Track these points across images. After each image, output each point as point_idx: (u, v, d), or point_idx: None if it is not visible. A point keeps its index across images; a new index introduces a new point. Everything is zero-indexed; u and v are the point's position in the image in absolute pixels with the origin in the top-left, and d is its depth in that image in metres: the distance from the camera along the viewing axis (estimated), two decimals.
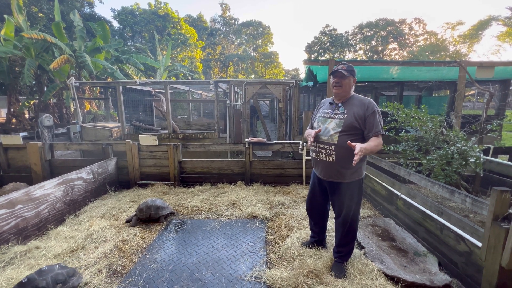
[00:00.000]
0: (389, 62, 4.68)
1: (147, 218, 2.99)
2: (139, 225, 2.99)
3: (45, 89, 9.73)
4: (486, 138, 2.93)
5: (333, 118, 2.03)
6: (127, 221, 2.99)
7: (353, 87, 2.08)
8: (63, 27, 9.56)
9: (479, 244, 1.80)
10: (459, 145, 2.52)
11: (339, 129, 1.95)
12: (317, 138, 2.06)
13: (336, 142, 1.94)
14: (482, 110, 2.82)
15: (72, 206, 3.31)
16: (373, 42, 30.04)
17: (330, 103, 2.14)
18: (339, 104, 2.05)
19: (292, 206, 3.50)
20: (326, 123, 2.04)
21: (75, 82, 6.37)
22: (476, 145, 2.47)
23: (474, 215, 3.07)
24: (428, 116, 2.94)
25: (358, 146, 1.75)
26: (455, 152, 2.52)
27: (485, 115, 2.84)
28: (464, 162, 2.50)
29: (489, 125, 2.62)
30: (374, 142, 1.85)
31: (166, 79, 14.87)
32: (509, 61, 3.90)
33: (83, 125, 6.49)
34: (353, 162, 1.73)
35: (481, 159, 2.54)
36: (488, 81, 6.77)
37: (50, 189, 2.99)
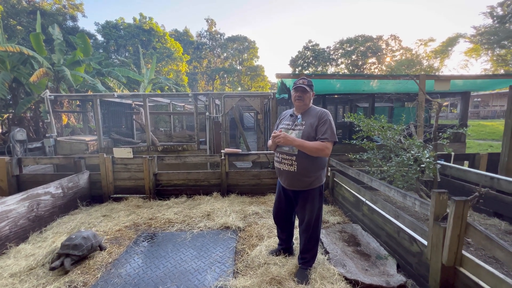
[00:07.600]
0: (356, 76, 4.98)
1: (89, 251, 2.49)
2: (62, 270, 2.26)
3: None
4: (439, 145, 3.16)
5: (293, 129, 2.15)
6: (52, 269, 2.23)
7: (312, 100, 2.23)
8: (42, 40, 9.44)
9: (426, 244, 1.92)
10: (413, 152, 2.71)
11: None
12: (279, 149, 2.17)
13: (296, 153, 2.05)
14: (434, 119, 3.08)
15: (37, 223, 3.18)
16: (354, 57, 31.52)
17: (291, 115, 2.26)
18: (298, 116, 2.18)
19: (265, 216, 3.53)
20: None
21: (50, 95, 6.25)
22: (426, 151, 2.67)
23: None
24: (387, 126, 3.16)
25: (283, 133, 2.04)
26: (410, 158, 2.70)
27: (436, 124, 3.10)
28: (418, 168, 2.69)
29: (440, 133, 2.85)
30: (313, 144, 1.97)
31: (150, 91, 14.84)
32: (463, 75, 4.28)
33: (58, 138, 6.31)
34: (276, 140, 2.05)
35: (435, 165, 2.74)
36: (454, 93, 7.30)
37: (12, 205, 2.87)
